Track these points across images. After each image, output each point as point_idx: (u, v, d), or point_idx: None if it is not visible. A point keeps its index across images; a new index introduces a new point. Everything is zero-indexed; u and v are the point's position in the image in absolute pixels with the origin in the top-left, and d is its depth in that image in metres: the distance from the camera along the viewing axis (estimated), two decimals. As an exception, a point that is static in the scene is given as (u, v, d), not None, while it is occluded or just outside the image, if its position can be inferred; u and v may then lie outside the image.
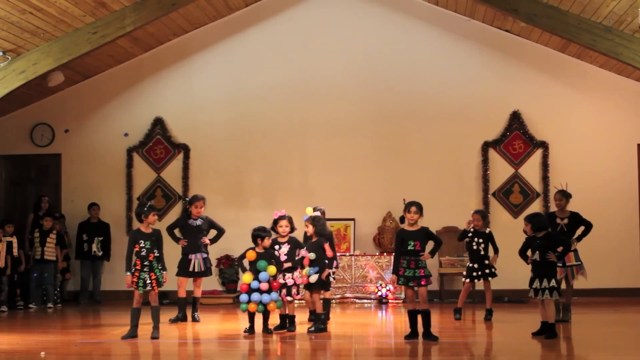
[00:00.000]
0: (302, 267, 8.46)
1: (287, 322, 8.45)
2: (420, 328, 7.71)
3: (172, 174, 12.99)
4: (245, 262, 8.36)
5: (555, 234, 8.44)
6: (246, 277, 8.31)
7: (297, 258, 8.47)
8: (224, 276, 12.21)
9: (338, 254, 10.65)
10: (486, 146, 12.61)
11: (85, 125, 13.18)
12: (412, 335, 7.72)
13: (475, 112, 12.66)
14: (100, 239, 12.56)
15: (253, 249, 8.33)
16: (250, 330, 8.29)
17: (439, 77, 12.74)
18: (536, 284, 7.81)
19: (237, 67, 12.98)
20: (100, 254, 12.55)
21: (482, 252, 9.51)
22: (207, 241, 9.78)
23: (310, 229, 8.47)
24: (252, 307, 8.24)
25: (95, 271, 12.62)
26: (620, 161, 12.47)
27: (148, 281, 7.98)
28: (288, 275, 8.39)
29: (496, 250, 9.59)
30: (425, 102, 12.72)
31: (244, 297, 8.26)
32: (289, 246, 8.45)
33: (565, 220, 9.15)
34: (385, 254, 11.92)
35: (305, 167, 12.86)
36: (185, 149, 12.97)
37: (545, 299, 7.76)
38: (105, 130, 13.12)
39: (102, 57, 12.39)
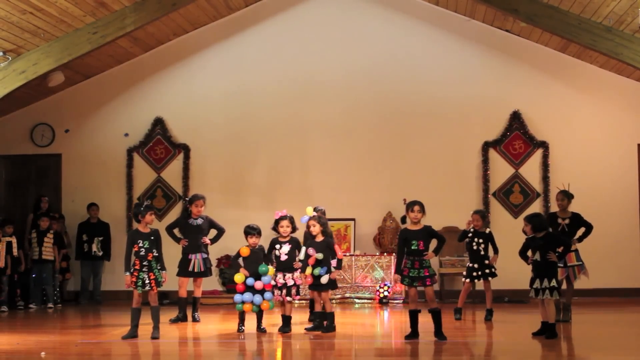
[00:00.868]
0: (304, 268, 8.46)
1: (283, 322, 8.44)
2: (420, 328, 7.72)
3: (172, 174, 12.99)
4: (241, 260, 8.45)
5: (555, 234, 8.44)
6: (237, 277, 8.37)
7: (299, 259, 8.45)
8: (225, 276, 12.20)
9: (338, 254, 10.63)
10: (486, 146, 12.61)
11: (85, 125, 13.18)
12: (413, 335, 7.72)
13: (475, 112, 12.66)
14: (100, 239, 12.57)
15: (248, 246, 8.44)
16: (239, 329, 8.43)
17: (439, 77, 12.74)
18: (537, 284, 7.81)
19: (238, 67, 12.98)
20: (100, 254, 12.56)
21: (482, 252, 9.51)
22: (208, 241, 9.78)
23: (316, 229, 8.45)
24: (247, 307, 8.33)
25: (96, 271, 12.63)
26: (621, 161, 12.47)
27: (147, 281, 7.98)
28: (288, 275, 8.38)
29: (496, 250, 9.59)
30: (425, 102, 12.72)
31: (237, 297, 8.35)
32: (290, 246, 8.43)
33: (567, 221, 9.14)
34: (385, 254, 11.91)
35: (305, 167, 12.85)
36: (185, 149, 12.97)
37: (545, 298, 7.76)
38: (105, 130, 13.12)
39: (102, 57, 12.39)
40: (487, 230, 9.61)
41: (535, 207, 12.35)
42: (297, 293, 8.51)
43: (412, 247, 7.65)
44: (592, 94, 12.59)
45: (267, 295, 8.33)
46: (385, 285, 11.64)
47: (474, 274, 9.51)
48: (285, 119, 12.88)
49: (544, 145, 12.52)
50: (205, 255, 9.71)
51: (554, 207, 10.10)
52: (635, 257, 12.32)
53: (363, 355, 7.27)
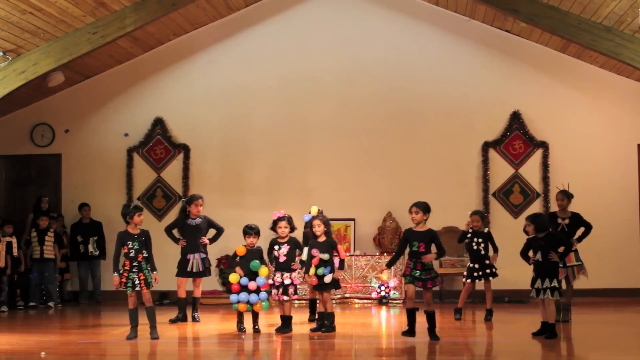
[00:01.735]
0: (304, 268, 8.45)
1: (282, 322, 8.43)
2: (417, 328, 7.75)
3: (172, 174, 12.99)
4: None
5: (556, 234, 8.45)
6: (232, 277, 8.39)
7: (301, 260, 8.43)
8: (224, 276, 12.16)
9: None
10: (486, 146, 12.61)
11: (85, 125, 13.18)
12: (409, 332, 7.75)
13: (475, 112, 12.66)
14: (95, 238, 12.57)
15: (245, 245, 8.49)
16: (240, 328, 8.46)
17: (439, 77, 12.74)
18: (538, 284, 7.82)
19: (238, 67, 12.98)
20: (97, 253, 12.56)
21: (482, 252, 9.50)
22: (207, 241, 9.77)
23: (321, 229, 8.41)
24: (241, 307, 8.36)
25: (94, 271, 12.60)
26: (621, 161, 12.47)
27: (137, 282, 8.00)
28: (286, 275, 8.37)
29: (496, 249, 9.59)
30: (425, 102, 12.72)
31: (233, 297, 8.39)
32: (288, 247, 8.41)
33: (567, 221, 9.15)
34: (385, 254, 11.90)
35: (305, 166, 12.85)
36: (185, 149, 12.97)
37: (545, 298, 7.77)
38: (105, 130, 13.12)
39: (102, 57, 12.39)
40: (486, 230, 9.61)
41: (535, 207, 12.35)
42: (295, 292, 8.50)
43: (413, 249, 7.66)
44: (592, 94, 12.59)
45: (262, 295, 8.38)
46: (386, 286, 11.63)
47: (475, 274, 9.50)
48: (285, 119, 12.88)
49: (543, 145, 12.52)
50: (203, 255, 9.70)
51: (554, 207, 10.09)
52: (635, 257, 12.32)
53: (363, 355, 7.27)
